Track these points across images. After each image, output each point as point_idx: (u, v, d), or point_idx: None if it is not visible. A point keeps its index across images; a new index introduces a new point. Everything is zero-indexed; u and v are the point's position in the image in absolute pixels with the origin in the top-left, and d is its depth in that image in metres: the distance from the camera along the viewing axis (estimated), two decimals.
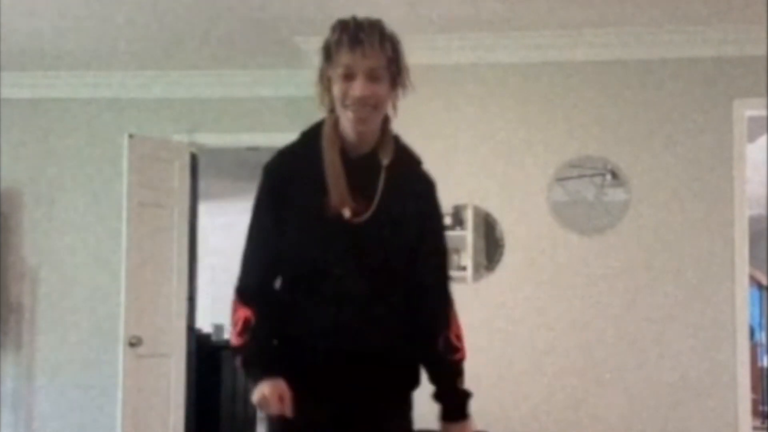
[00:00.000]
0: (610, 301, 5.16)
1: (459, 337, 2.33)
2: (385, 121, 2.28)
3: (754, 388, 5.97)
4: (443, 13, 4.98)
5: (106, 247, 5.99)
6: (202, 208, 6.50)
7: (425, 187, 2.35)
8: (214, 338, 8.05)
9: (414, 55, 5.36)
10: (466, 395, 2.32)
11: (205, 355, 6.87)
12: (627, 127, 5.25)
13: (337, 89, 2.18)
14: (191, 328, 6.08)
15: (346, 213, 2.17)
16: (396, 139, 2.33)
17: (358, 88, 2.15)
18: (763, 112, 5.20)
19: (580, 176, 5.26)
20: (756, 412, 7.15)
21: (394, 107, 2.28)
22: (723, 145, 5.15)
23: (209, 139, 6.13)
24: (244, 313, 2.23)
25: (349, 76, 2.16)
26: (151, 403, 5.64)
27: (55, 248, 6.16)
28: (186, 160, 6.00)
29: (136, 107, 6.18)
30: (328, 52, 2.19)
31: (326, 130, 2.25)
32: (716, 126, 5.17)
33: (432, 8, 4.90)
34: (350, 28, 2.17)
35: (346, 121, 2.20)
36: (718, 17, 4.98)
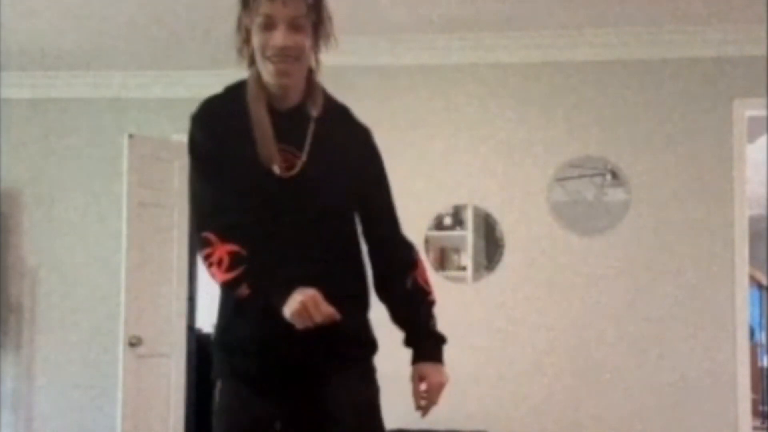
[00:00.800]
0: (610, 301, 5.16)
1: (426, 281, 2.26)
2: (310, 72, 2.19)
3: (754, 388, 5.97)
4: (443, 13, 4.97)
5: (106, 247, 5.98)
6: None
7: (359, 135, 2.26)
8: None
9: (414, 55, 5.38)
10: (440, 338, 2.24)
11: (205, 355, 6.79)
12: (627, 127, 5.25)
13: (256, 40, 2.10)
14: (191, 328, 6.08)
15: (276, 169, 2.09)
16: (324, 91, 2.24)
17: (279, 37, 2.06)
18: (763, 112, 5.21)
19: (580, 176, 5.26)
20: (756, 412, 7.15)
21: (317, 60, 2.19)
22: (723, 145, 5.15)
23: None
24: (228, 248, 2.04)
25: (269, 26, 2.07)
26: (151, 403, 5.64)
27: (55, 248, 6.16)
28: (186, 160, 5.98)
29: (136, 107, 6.18)
30: (246, 1, 2.11)
31: (250, 84, 2.16)
32: (716, 126, 5.17)
33: (432, 8, 4.90)
34: None
35: (267, 75, 2.11)
36: (719, 17, 4.98)
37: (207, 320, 7.92)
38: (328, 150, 2.15)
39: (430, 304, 2.25)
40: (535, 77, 5.35)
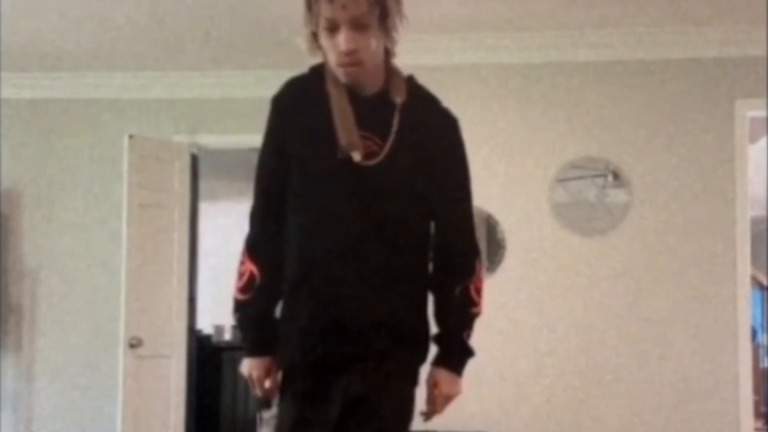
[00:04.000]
0: (612, 302, 5.15)
1: (479, 292, 2.19)
2: (387, 55, 2.13)
3: (756, 390, 5.96)
4: (444, 14, 4.97)
5: (107, 248, 5.98)
6: (203, 209, 6.49)
7: (446, 124, 2.19)
8: (214, 339, 8.03)
9: (415, 55, 5.37)
10: (468, 351, 2.18)
11: (205, 357, 6.86)
12: (628, 128, 5.24)
13: (323, 41, 2.05)
14: (192, 329, 6.07)
15: (356, 156, 2.04)
16: (410, 78, 2.20)
17: (343, 41, 2.01)
18: (764, 113, 5.20)
19: (582, 177, 5.25)
20: (758, 414, 7.13)
21: (392, 49, 2.13)
22: (724, 146, 5.14)
23: (210, 139, 6.12)
24: (250, 267, 2.15)
25: (332, 29, 2.02)
26: (152, 404, 5.63)
27: (55, 249, 6.15)
28: (186, 160, 5.99)
29: (137, 108, 6.17)
30: (308, 3, 2.06)
31: (329, 73, 2.11)
32: (718, 127, 5.16)
33: (433, 9, 4.89)
34: None
35: (340, 75, 2.08)
36: (720, 18, 4.97)
37: (207, 321, 7.93)
38: (411, 141, 2.09)
39: (473, 315, 2.19)
40: (536, 78, 5.34)
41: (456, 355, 2.18)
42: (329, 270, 2.07)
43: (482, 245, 5.25)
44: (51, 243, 6.16)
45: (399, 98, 2.11)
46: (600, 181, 5.24)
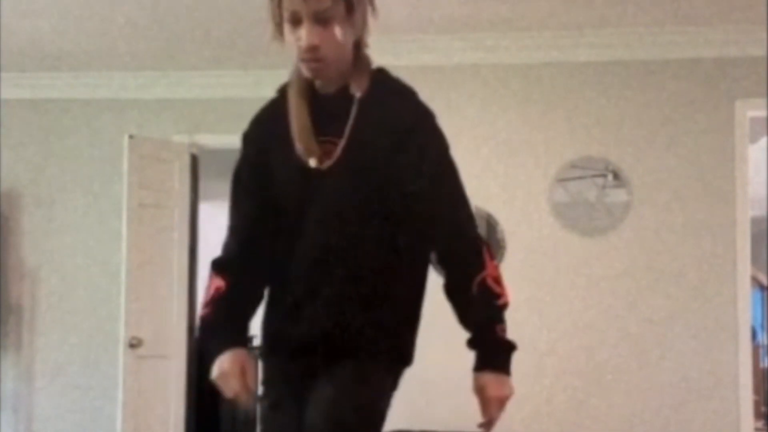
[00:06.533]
0: (612, 302, 5.15)
1: (497, 281, 2.01)
2: (356, 47, 2.02)
3: (756, 390, 5.96)
4: (444, 14, 4.97)
5: (107, 248, 5.97)
6: (203, 209, 6.49)
7: (415, 118, 2.03)
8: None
9: (415, 55, 5.38)
10: (508, 345, 2.01)
11: (206, 357, 6.84)
12: (628, 128, 5.24)
13: (287, 34, 1.96)
14: (192, 330, 6.06)
15: (312, 162, 1.95)
16: (379, 71, 2.07)
17: (304, 36, 1.91)
18: (764, 113, 5.19)
19: (582, 177, 5.25)
20: (758, 414, 7.13)
21: (364, 34, 2.02)
22: (725, 146, 5.14)
23: (210, 139, 6.12)
24: (216, 283, 2.05)
25: (295, 21, 1.93)
26: (152, 404, 5.63)
27: (55, 249, 6.15)
28: (186, 161, 5.99)
29: (137, 108, 6.17)
30: None
31: (291, 73, 2.04)
32: (718, 127, 5.16)
33: (433, 9, 4.89)
34: None
35: (303, 70, 1.98)
36: (720, 18, 4.97)
37: None
38: (371, 136, 1.97)
39: (500, 307, 2.01)
40: (536, 78, 5.34)
41: (494, 353, 2.01)
42: (293, 283, 2.01)
43: None
44: (51, 243, 6.16)
45: (358, 90, 1.99)
46: (600, 181, 5.24)
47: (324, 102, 2.01)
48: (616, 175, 5.22)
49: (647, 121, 5.23)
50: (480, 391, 2.00)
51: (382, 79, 2.07)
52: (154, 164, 5.75)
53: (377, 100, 2.00)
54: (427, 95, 5.37)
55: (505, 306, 2.02)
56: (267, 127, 2.10)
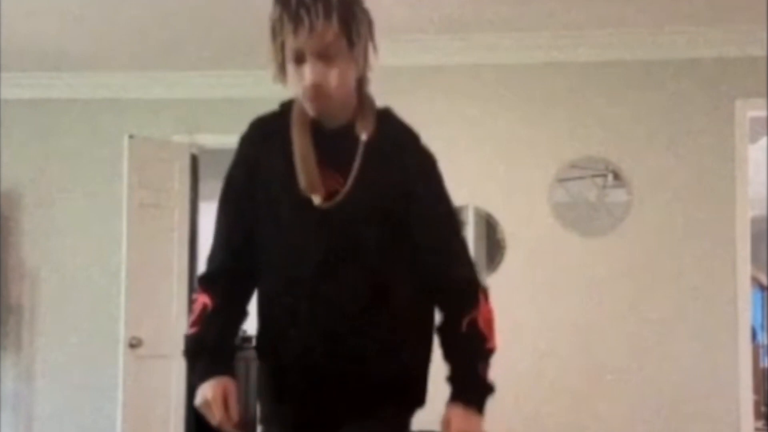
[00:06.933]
0: (612, 302, 5.15)
1: (489, 324, 2.02)
2: (360, 85, 2.01)
3: (756, 390, 5.95)
4: (445, 14, 4.96)
5: (107, 249, 5.97)
6: (203, 209, 6.48)
7: (418, 162, 2.03)
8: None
9: (416, 55, 5.37)
10: (485, 385, 2.01)
11: None
12: (629, 128, 5.24)
13: (290, 72, 1.94)
14: None
15: (316, 199, 1.93)
16: (385, 112, 2.07)
17: (308, 74, 1.90)
18: (764, 113, 5.19)
19: (582, 177, 5.24)
20: (758, 414, 7.13)
21: (365, 77, 2.02)
22: (725, 146, 5.14)
23: (210, 140, 6.11)
24: (203, 299, 2.03)
25: (298, 59, 1.91)
26: (152, 404, 5.63)
27: (55, 249, 6.15)
28: (186, 161, 5.99)
29: (137, 108, 6.17)
30: (274, 32, 1.93)
31: (296, 105, 2.01)
32: (718, 127, 5.16)
33: (433, 9, 4.89)
34: (290, 4, 1.87)
35: (307, 109, 1.97)
36: (720, 18, 4.97)
37: None
38: (379, 178, 1.96)
39: (486, 351, 2.02)
40: (536, 78, 5.34)
41: (470, 388, 2.00)
42: (289, 322, 1.98)
43: (482, 245, 5.26)
44: (51, 243, 6.16)
45: (365, 134, 1.97)
46: (600, 181, 5.24)
47: (328, 137, 1.99)
48: (616, 175, 5.22)
49: (647, 121, 5.22)
50: (445, 423, 1.96)
51: (388, 121, 2.05)
52: (154, 164, 5.75)
53: (382, 142, 1.99)
54: (427, 95, 5.40)
55: (491, 351, 2.02)
56: (268, 141, 2.06)
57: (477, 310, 2.00)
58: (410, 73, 5.29)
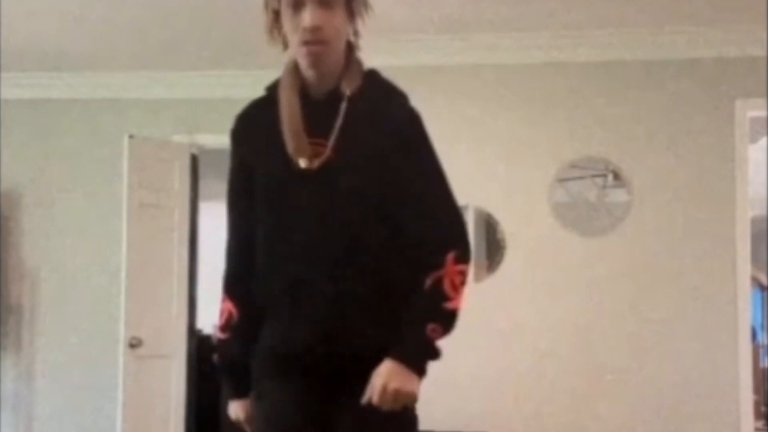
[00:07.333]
0: (612, 302, 5.15)
1: (456, 287, 1.92)
2: (349, 48, 2.01)
3: (756, 390, 5.95)
4: (445, 14, 4.96)
5: (107, 249, 5.97)
6: (203, 209, 6.49)
7: (402, 118, 2.00)
8: (214, 339, 8.02)
9: (416, 55, 5.37)
10: (428, 347, 1.90)
11: (205, 356, 6.84)
12: (629, 128, 5.24)
13: (286, 22, 1.94)
14: (192, 329, 6.07)
15: (303, 162, 1.92)
16: (371, 72, 2.05)
17: (308, 17, 1.89)
18: (764, 113, 5.20)
19: (582, 177, 5.24)
20: (758, 414, 7.13)
21: (356, 35, 2.02)
22: (725, 146, 5.14)
23: (210, 139, 6.11)
24: (228, 305, 2.09)
25: (297, 5, 1.91)
26: (152, 404, 5.63)
27: (55, 249, 6.15)
28: (186, 161, 5.99)
29: (137, 108, 6.17)
30: None
31: (283, 74, 2.02)
32: (718, 127, 5.16)
33: (433, 9, 4.89)
34: None
35: (300, 58, 1.96)
36: (720, 18, 4.97)
37: (207, 321, 7.93)
38: (358, 135, 1.94)
39: (445, 311, 1.92)
40: (536, 78, 5.34)
41: (411, 346, 1.89)
42: (285, 290, 1.98)
43: (482, 245, 5.26)
44: (51, 243, 6.16)
45: (348, 89, 1.96)
46: (600, 181, 5.24)
47: (315, 104, 1.99)
48: (617, 175, 5.22)
49: (647, 121, 5.22)
50: (376, 374, 1.88)
51: (374, 80, 2.04)
52: (154, 164, 5.75)
53: (367, 99, 1.98)
54: (427, 95, 5.38)
55: (451, 312, 1.93)
56: (255, 125, 2.08)
57: (444, 270, 1.93)
58: (410, 73, 5.28)
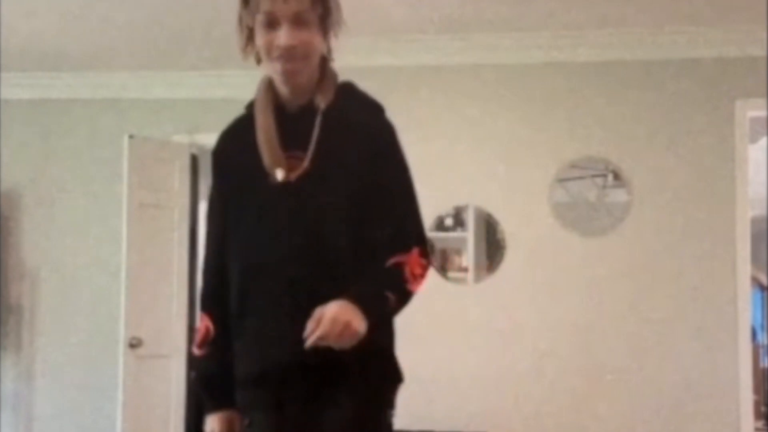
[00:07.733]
0: (612, 302, 5.15)
1: (416, 277, 1.93)
2: (323, 61, 2.03)
3: (756, 390, 5.96)
4: (445, 14, 4.96)
5: (107, 249, 5.97)
6: (203, 209, 6.49)
7: (376, 130, 2.01)
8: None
9: (416, 55, 5.37)
10: (382, 300, 1.89)
11: None
12: (629, 128, 5.24)
13: (260, 39, 1.97)
14: (192, 330, 6.06)
15: (279, 174, 1.93)
16: (346, 84, 2.07)
17: (283, 36, 1.92)
18: (764, 113, 5.20)
19: (582, 177, 5.25)
20: (758, 414, 7.13)
21: (329, 51, 2.03)
22: (725, 146, 5.14)
23: (210, 139, 5.99)
24: (205, 322, 2.08)
25: (272, 24, 1.94)
26: (152, 404, 5.63)
27: (55, 249, 6.15)
28: (186, 161, 6.00)
29: (137, 108, 6.16)
30: None
31: (258, 90, 2.06)
32: (718, 127, 5.16)
33: (433, 9, 4.89)
34: None
35: (275, 75, 1.99)
36: (720, 18, 4.97)
37: None
38: (334, 148, 1.96)
39: (403, 289, 1.92)
40: (536, 78, 5.34)
41: (368, 295, 1.87)
42: (261, 304, 1.98)
43: (482, 245, 5.27)
44: (51, 243, 6.16)
45: (323, 102, 1.98)
46: (600, 181, 5.24)
47: (291, 118, 2.00)
48: (616, 175, 5.22)
49: (647, 121, 5.23)
50: (325, 307, 1.82)
51: (349, 93, 2.06)
52: (154, 164, 5.75)
53: (342, 111, 1.99)
54: (426, 95, 5.42)
55: (409, 293, 1.94)
56: (234, 142, 2.10)
57: (406, 256, 1.94)
58: (410, 73, 5.30)
